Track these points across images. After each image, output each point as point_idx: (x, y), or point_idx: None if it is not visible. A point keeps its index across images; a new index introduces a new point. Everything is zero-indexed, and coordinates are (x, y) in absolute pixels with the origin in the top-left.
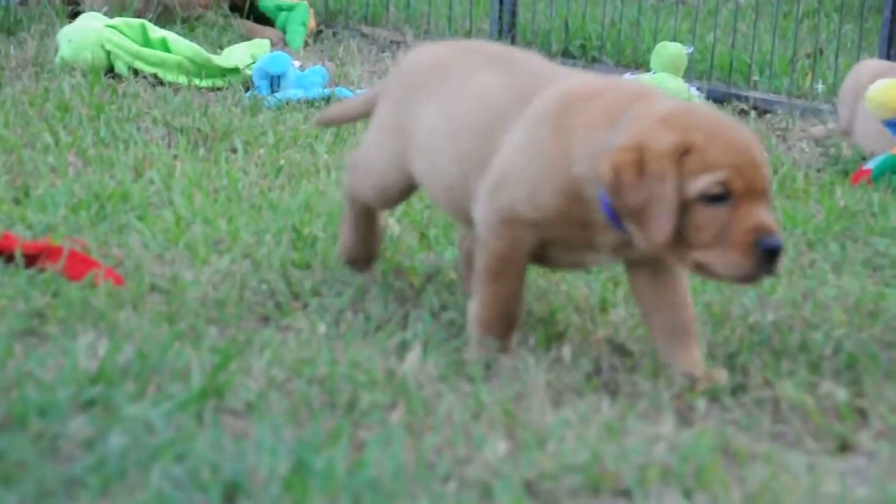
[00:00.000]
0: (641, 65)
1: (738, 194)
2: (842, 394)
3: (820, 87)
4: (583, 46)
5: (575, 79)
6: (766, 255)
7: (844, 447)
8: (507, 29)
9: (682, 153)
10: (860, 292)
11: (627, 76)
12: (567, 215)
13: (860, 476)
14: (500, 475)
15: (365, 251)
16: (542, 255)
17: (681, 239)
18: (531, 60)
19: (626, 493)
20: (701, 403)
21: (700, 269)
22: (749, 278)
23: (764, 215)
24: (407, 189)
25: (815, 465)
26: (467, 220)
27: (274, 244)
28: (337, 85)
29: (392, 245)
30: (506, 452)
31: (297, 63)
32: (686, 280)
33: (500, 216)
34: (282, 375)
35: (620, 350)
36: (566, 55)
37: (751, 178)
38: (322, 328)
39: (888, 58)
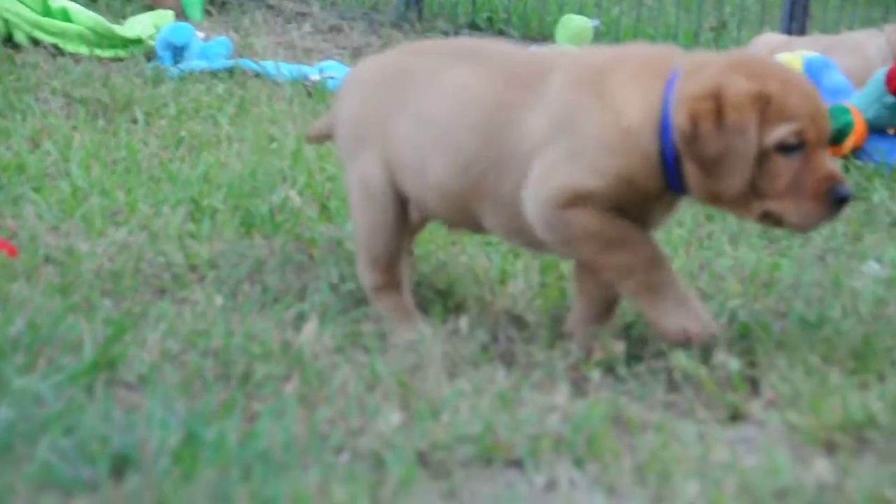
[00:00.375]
0: (547, 37)
1: (811, 144)
2: (734, 364)
3: None
4: (489, 19)
5: (586, 51)
6: (838, 204)
7: (736, 416)
8: (414, 2)
9: (763, 102)
10: (756, 263)
11: (533, 48)
12: (629, 176)
13: (749, 444)
14: (392, 446)
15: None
16: None
17: (751, 189)
18: (493, 47)
19: (517, 463)
20: (595, 374)
21: (767, 217)
22: (817, 226)
23: (832, 164)
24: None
25: (706, 434)
26: (474, 226)
27: (172, 216)
28: (241, 56)
29: (292, 216)
30: (399, 423)
31: (200, 34)
32: None
33: (562, 201)
34: (176, 347)
35: (518, 321)
36: (473, 27)
37: (822, 128)
38: (219, 300)
39: (789, 32)
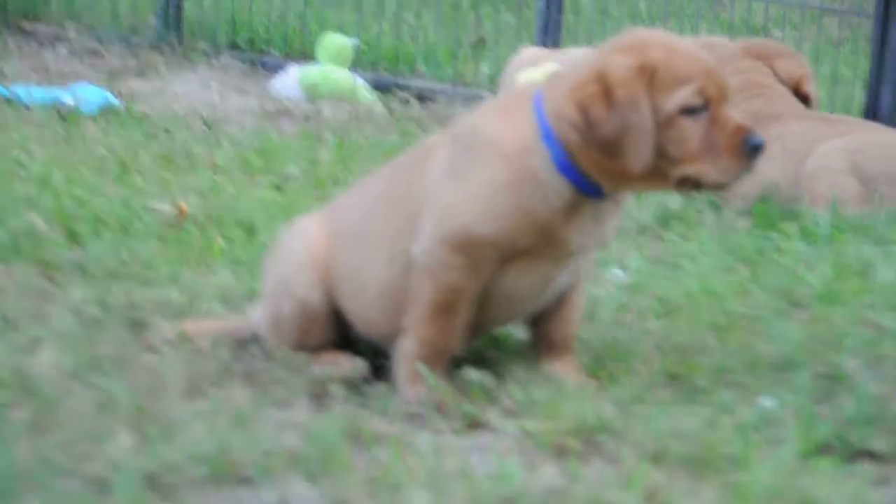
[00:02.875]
0: (309, 56)
1: (714, 100)
2: (473, 374)
3: (484, 73)
4: (250, 40)
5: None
6: (752, 153)
7: (473, 425)
8: (173, 24)
9: (649, 72)
10: None
11: (293, 67)
12: (528, 213)
13: (483, 452)
14: (120, 469)
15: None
16: (489, 299)
17: (662, 159)
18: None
19: (249, 481)
20: (338, 390)
21: (685, 182)
22: (736, 180)
23: (739, 116)
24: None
25: (442, 445)
26: None
27: None
28: None
29: (35, 242)
30: (131, 446)
31: None
32: (583, 295)
33: (451, 244)
34: None
35: (261, 340)
36: (234, 48)
37: (720, 83)
38: None
39: (544, 45)
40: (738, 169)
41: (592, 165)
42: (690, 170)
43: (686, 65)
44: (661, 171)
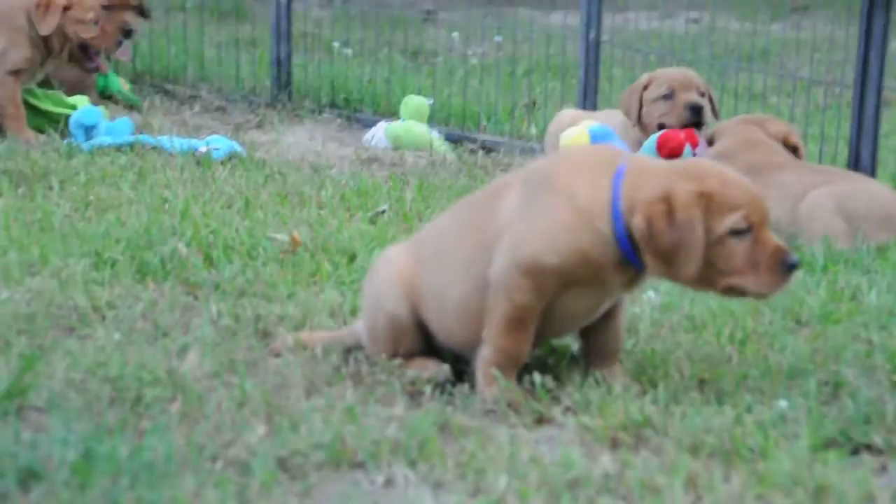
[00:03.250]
0: (394, 114)
1: (756, 225)
2: (538, 378)
3: (533, 130)
4: (346, 100)
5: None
6: (788, 270)
7: (541, 421)
8: (284, 86)
9: (706, 199)
10: None
11: (382, 123)
12: (585, 255)
13: (550, 443)
14: (257, 454)
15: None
16: (551, 315)
17: (711, 269)
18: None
19: (362, 465)
20: (427, 389)
21: (731, 291)
22: (776, 292)
23: (777, 238)
24: None
25: (516, 437)
26: None
27: (77, 266)
28: (141, 133)
29: (180, 264)
30: (264, 435)
31: (107, 113)
32: (626, 313)
33: (522, 269)
34: (79, 377)
35: (362, 347)
36: (334, 106)
37: (762, 210)
38: (116, 336)
39: (584, 108)
40: (777, 283)
41: (650, 261)
42: (736, 281)
43: (736, 194)
44: (709, 280)
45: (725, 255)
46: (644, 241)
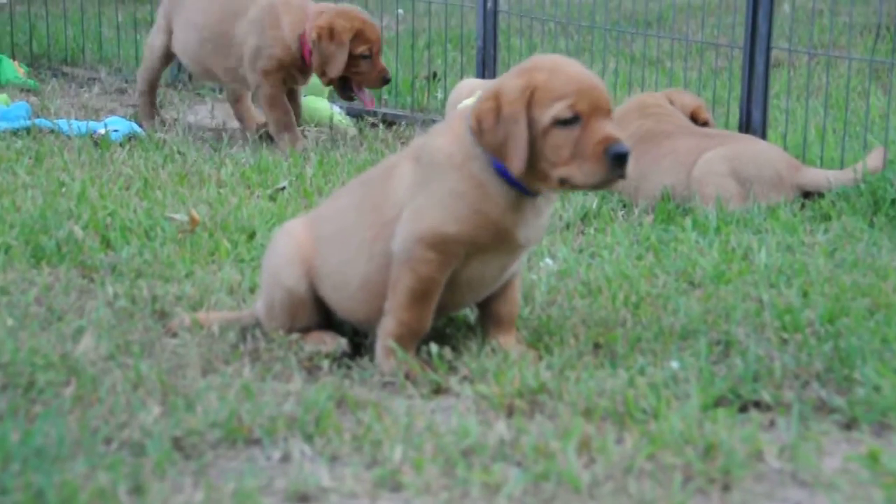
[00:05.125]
0: None
1: (585, 114)
2: (436, 348)
3: (435, 102)
4: None
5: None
6: (616, 160)
7: (438, 391)
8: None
9: (531, 91)
10: None
11: None
12: (483, 214)
13: (446, 413)
14: (151, 435)
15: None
16: (457, 286)
17: (544, 161)
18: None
19: (258, 442)
20: (325, 363)
21: (564, 183)
22: (605, 183)
23: (610, 128)
24: None
25: (412, 407)
26: None
27: None
28: (38, 117)
29: (76, 248)
30: (159, 415)
31: (6, 98)
32: (521, 281)
33: (427, 242)
34: None
35: (261, 325)
36: None
37: (593, 100)
38: (9, 321)
39: (483, 77)
40: (602, 173)
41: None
42: (564, 172)
43: (562, 84)
44: (544, 173)
45: (552, 145)
46: (479, 141)
